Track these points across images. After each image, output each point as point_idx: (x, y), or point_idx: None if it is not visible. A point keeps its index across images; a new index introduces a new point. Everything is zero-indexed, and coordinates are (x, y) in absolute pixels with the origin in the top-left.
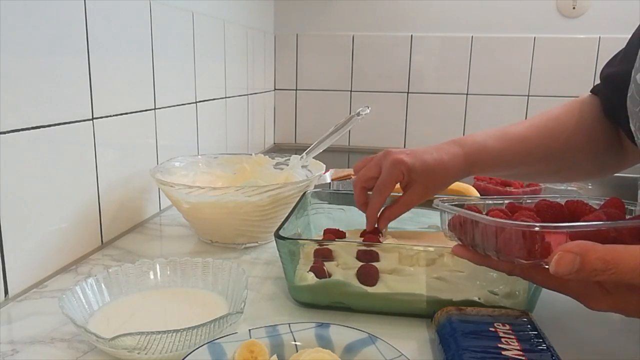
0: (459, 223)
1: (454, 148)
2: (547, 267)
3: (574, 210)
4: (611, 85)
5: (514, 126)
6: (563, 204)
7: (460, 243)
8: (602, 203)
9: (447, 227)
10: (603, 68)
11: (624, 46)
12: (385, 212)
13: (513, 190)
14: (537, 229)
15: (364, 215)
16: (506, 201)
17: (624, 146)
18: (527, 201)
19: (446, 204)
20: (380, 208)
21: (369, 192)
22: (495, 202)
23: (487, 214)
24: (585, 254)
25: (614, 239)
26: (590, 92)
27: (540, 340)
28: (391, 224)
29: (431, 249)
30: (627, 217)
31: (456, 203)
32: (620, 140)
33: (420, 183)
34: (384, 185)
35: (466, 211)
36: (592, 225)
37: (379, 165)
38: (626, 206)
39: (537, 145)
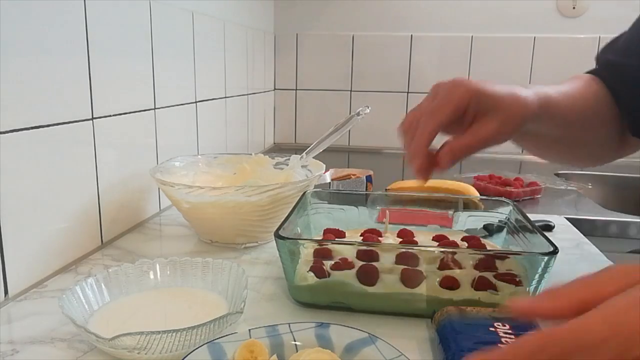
0: None
1: (523, 89)
2: None
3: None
4: (617, 76)
5: (561, 86)
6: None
7: None
8: None
9: None
10: (602, 52)
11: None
12: (448, 144)
13: (513, 190)
14: None
15: (365, 215)
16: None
17: (622, 136)
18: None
19: None
20: (433, 138)
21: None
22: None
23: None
24: None
25: None
26: (591, 73)
27: None
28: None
29: (432, 249)
30: None
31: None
32: (621, 127)
33: (493, 114)
34: (440, 107)
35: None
36: None
37: (433, 98)
38: None
39: (583, 107)
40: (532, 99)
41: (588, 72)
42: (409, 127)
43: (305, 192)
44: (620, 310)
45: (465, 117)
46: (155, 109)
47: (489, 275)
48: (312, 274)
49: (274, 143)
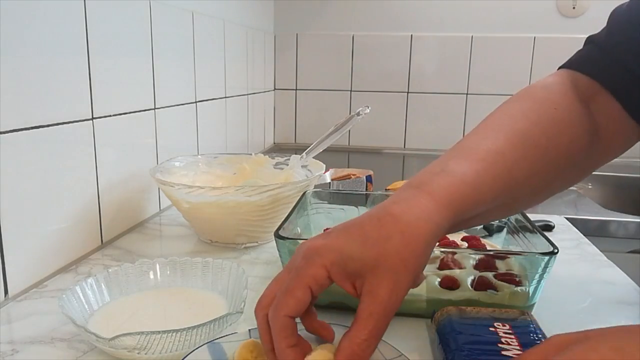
0: None
1: (413, 197)
2: None
3: None
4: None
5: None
6: None
7: None
8: None
9: None
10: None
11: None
12: (342, 350)
13: None
14: None
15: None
16: None
17: (600, 135)
18: None
19: None
20: (289, 335)
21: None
22: None
23: None
24: None
25: None
26: (565, 67)
27: (540, 340)
28: None
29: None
30: None
31: None
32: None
33: (374, 275)
34: (284, 296)
35: None
36: None
37: (289, 271)
38: None
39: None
40: (424, 215)
41: (566, 67)
42: (262, 300)
43: (305, 192)
44: None
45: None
46: (155, 109)
47: (489, 275)
48: None
49: (274, 143)
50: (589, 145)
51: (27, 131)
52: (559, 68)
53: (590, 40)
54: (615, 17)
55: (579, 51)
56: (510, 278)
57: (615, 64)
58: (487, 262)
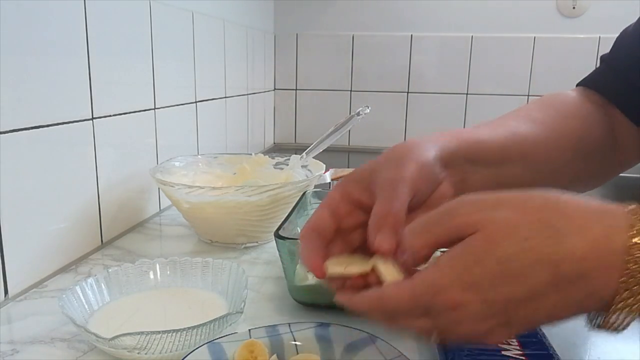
0: None
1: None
2: None
3: None
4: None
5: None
6: None
7: None
8: None
9: None
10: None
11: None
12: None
13: None
14: None
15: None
16: None
17: (619, 144)
18: None
19: None
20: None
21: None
22: None
23: None
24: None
25: None
26: (582, 85)
27: (540, 340)
28: None
29: None
30: None
31: None
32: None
33: (379, 181)
34: (303, 229)
35: None
36: None
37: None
38: None
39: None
40: (423, 143)
41: (581, 84)
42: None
43: (305, 192)
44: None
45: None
46: (155, 109)
47: None
48: (312, 274)
49: (274, 143)
50: (610, 149)
51: (27, 131)
52: (576, 86)
53: (602, 59)
54: (623, 36)
55: (594, 70)
56: None
57: (621, 80)
58: None
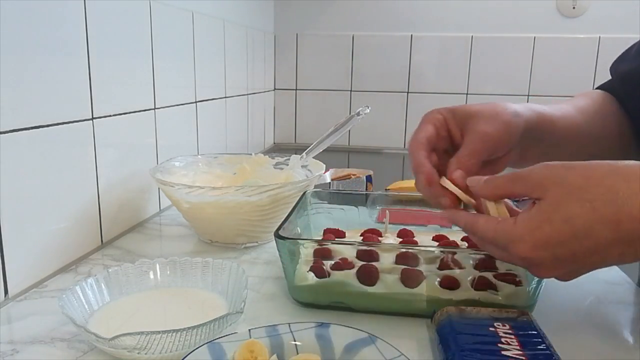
0: None
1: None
2: None
3: None
4: (630, 84)
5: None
6: None
7: None
8: None
9: None
10: (615, 63)
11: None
12: (454, 160)
13: None
14: None
15: (365, 215)
16: None
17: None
18: None
19: None
20: (426, 149)
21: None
22: None
23: None
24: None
25: None
26: (601, 88)
27: (540, 340)
28: None
29: (431, 249)
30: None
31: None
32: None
33: (476, 121)
34: (417, 131)
35: None
36: None
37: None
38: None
39: (590, 127)
40: (514, 106)
41: (599, 88)
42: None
43: (305, 192)
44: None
45: (454, 141)
46: (155, 109)
47: (489, 275)
48: (312, 274)
49: (274, 143)
50: (637, 147)
51: (27, 131)
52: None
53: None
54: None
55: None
56: (510, 278)
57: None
58: (487, 262)
